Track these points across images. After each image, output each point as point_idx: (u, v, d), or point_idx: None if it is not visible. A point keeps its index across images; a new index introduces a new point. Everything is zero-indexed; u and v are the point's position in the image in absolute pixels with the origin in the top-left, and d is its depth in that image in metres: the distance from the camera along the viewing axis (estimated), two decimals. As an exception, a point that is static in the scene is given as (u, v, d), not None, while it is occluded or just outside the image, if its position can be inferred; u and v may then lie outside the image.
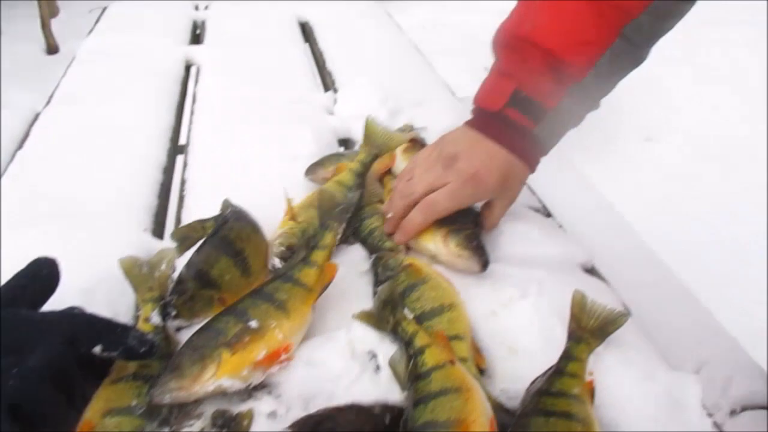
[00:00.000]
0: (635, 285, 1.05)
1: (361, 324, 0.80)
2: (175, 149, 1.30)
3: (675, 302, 1.20)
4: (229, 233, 0.86)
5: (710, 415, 0.72)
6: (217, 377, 0.69)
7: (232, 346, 0.70)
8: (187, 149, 1.24)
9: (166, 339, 0.77)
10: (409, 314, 0.79)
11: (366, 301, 0.85)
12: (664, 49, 0.93)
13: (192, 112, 1.40)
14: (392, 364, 0.74)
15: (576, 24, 0.84)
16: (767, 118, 3.11)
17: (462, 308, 0.80)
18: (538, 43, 0.85)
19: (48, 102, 1.43)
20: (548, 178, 1.33)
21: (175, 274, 0.85)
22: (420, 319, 0.79)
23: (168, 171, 1.22)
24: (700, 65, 3.82)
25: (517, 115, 0.88)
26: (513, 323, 0.82)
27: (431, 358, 0.71)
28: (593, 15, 0.83)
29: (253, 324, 0.72)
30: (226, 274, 0.82)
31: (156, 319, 0.78)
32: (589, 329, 0.76)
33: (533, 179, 1.24)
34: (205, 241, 0.85)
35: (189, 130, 1.33)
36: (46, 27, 4.42)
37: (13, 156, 1.21)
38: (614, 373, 0.74)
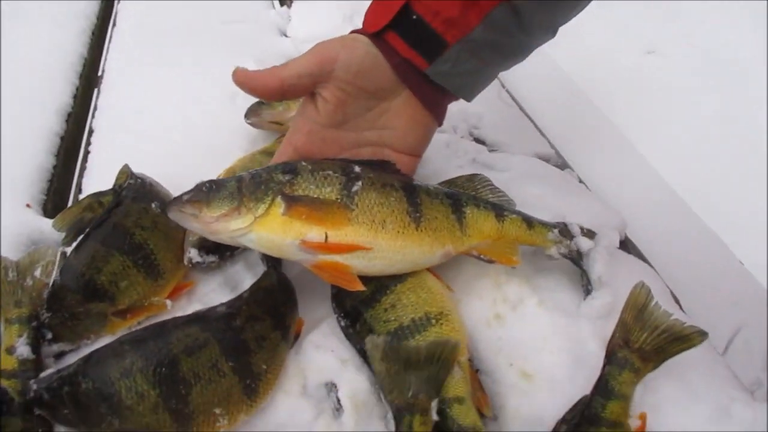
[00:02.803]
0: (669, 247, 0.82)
1: (314, 342, 0.58)
2: (89, 88, 1.02)
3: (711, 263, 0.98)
4: (125, 219, 0.61)
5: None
6: None
7: None
8: (99, 88, 0.97)
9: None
10: (434, 412, 0.51)
11: (324, 300, 0.62)
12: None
13: (109, 39, 1.11)
14: None
15: None
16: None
17: (455, 319, 0.57)
18: None
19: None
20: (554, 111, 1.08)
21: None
22: (395, 337, 0.55)
23: (75, 118, 0.95)
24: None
25: (400, 43, 0.59)
26: (525, 333, 0.59)
27: None
28: None
29: None
30: (121, 279, 0.58)
31: (23, 349, 0.55)
32: (640, 347, 0.53)
33: (540, 113, 1.00)
34: (88, 233, 0.60)
35: (103, 62, 1.04)
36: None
37: None
38: (673, 411, 0.53)
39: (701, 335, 0.54)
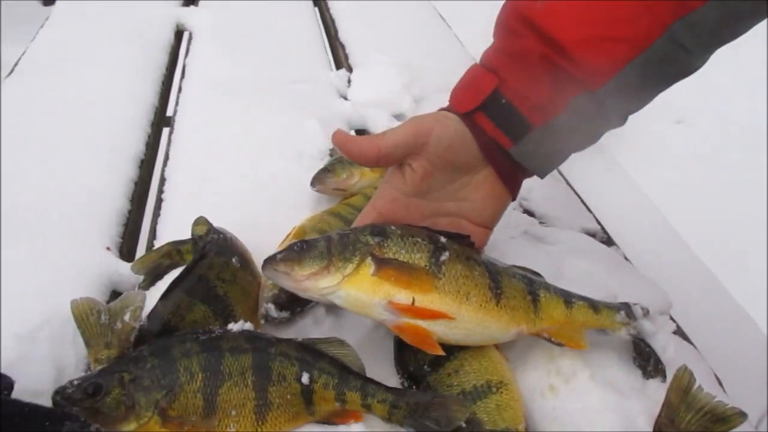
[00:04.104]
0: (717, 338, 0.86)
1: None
2: (157, 137, 1.09)
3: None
4: (208, 272, 0.66)
5: None
6: None
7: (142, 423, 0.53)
8: (170, 138, 1.03)
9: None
10: None
11: (385, 361, 0.66)
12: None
13: (179, 90, 1.18)
14: None
15: (606, 9, 0.58)
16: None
17: (514, 388, 0.61)
18: (544, 28, 0.59)
19: (11, 71, 1.22)
20: (596, 185, 1.13)
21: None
22: (458, 402, 0.59)
23: (147, 165, 1.01)
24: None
25: (488, 124, 0.64)
26: (578, 405, 0.62)
27: None
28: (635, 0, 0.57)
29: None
30: (201, 326, 0.63)
31: (110, 389, 0.59)
32: (685, 428, 0.56)
33: (580, 178, 1.04)
34: (175, 283, 0.65)
35: (174, 113, 1.11)
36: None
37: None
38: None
39: (741, 416, 0.57)
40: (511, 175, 0.67)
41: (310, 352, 0.59)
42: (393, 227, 0.62)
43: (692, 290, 0.95)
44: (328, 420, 0.59)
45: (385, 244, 0.59)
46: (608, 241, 0.88)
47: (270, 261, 0.60)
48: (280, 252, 0.61)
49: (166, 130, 1.11)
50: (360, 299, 0.58)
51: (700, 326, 0.82)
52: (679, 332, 0.75)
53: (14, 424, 0.50)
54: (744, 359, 0.88)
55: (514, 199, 0.70)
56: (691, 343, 0.72)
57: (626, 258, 0.85)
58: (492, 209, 0.68)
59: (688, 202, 2.07)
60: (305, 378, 0.57)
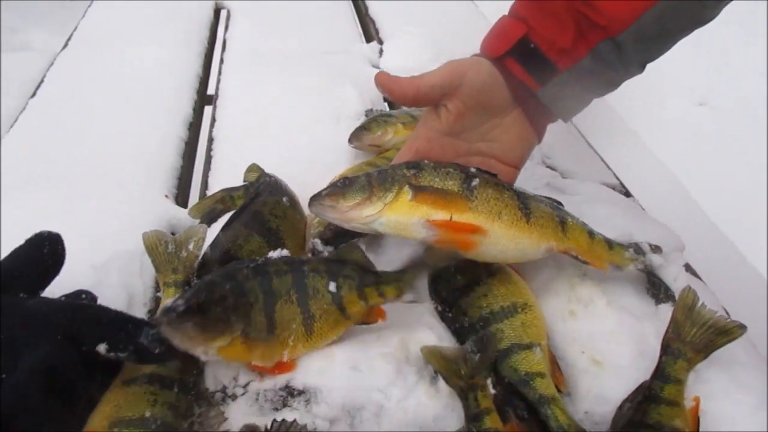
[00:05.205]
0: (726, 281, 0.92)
1: (416, 320, 0.68)
2: (202, 102, 1.17)
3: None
4: (262, 208, 0.73)
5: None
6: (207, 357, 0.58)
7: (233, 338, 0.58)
8: (216, 103, 1.11)
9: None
10: (490, 386, 0.61)
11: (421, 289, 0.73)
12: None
13: (221, 61, 1.26)
14: None
15: None
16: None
17: (537, 309, 0.67)
18: None
19: (65, 45, 1.31)
20: (615, 149, 1.18)
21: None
22: (486, 321, 0.66)
23: (194, 127, 1.09)
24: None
25: (517, 68, 0.69)
26: (595, 327, 0.69)
27: None
28: None
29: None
30: (258, 256, 0.70)
31: (178, 307, 0.66)
32: (690, 341, 0.62)
33: (603, 148, 1.10)
34: (233, 217, 0.72)
35: (218, 82, 1.19)
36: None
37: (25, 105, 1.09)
38: (721, 399, 0.62)
39: (741, 328, 0.63)
40: (538, 118, 0.73)
41: (335, 262, 0.65)
42: (426, 161, 0.67)
43: (704, 248, 1.00)
44: (362, 322, 0.65)
45: (421, 175, 0.65)
46: (626, 194, 0.94)
47: (316, 197, 0.66)
48: (324, 189, 0.67)
49: (210, 96, 1.18)
50: (400, 222, 0.63)
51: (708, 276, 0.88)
52: (690, 270, 0.81)
53: (102, 325, 0.57)
54: (747, 306, 0.94)
55: (539, 141, 0.76)
56: (701, 279, 0.78)
57: (643, 209, 0.91)
58: (520, 150, 0.74)
59: (710, 179, 2.12)
60: (332, 286, 0.63)
